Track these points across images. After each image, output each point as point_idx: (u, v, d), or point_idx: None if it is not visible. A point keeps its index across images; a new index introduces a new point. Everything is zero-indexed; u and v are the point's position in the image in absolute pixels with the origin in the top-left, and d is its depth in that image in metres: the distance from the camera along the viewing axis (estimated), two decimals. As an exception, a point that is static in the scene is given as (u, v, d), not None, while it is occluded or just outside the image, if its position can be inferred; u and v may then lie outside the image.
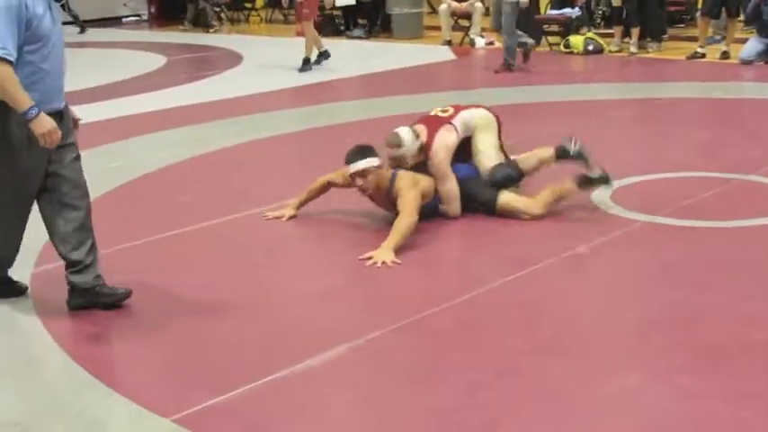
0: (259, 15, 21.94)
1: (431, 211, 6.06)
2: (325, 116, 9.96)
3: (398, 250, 5.52)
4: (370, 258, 5.45)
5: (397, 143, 6.07)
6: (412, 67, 13.40)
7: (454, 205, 6.15)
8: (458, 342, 4.39)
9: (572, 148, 6.34)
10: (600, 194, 6.46)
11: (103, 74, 13.23)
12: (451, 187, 6.13)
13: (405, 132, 6.13)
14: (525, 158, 6.48)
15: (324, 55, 13.22)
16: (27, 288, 5.16)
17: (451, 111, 6.44)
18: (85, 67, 15.21)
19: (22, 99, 4.46)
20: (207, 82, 12.88)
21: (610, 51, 13.70)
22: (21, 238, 4.97)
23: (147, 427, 3.75)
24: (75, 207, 4.85)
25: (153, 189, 7.30)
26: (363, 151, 5.89)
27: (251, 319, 4.78)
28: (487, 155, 6.37)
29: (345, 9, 17.67)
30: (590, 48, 13.64)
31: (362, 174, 5.84)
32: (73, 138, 4.89)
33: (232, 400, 3.91)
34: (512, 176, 6.37)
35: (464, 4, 15.25)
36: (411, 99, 10.59)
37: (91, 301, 4.87)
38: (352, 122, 9.52)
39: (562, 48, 13.96)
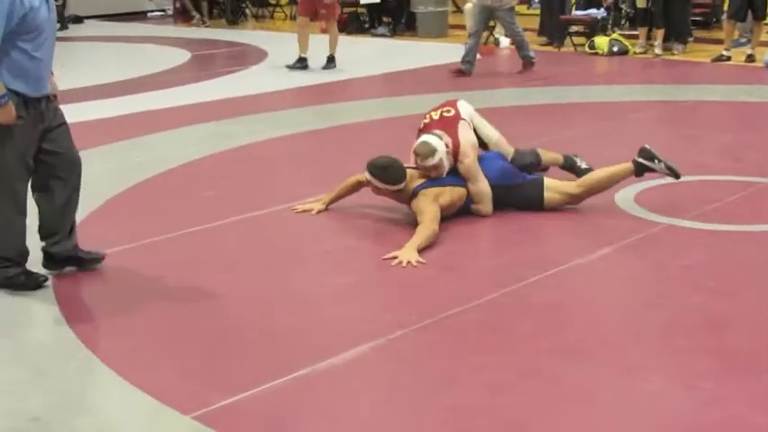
0: (284, 12, 21.94)
1: (463, 210, 6.09)
2: (349, 114, 9.96)
3: (423, 249, 5.51)
4: (394, 258, 5.45)
5: (431, 152, 6.03)
6: (436, 66, 13.36)
7: (486, 204, 6.15)
8: (481, 343, 4.37)
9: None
10: (623, 197, 6.43)
11: (129, 68, 13.28)
12: (483, 187, 6.13)
13: (433, 140, 6.10)
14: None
15: (302, 61, 13.09)
16: (46, 279, 5.20)
17: (453, 110, 6.48)
18: (111, 61, 15.32)
19: None
20: (231, 78, 12.90)
21: (634, 53, 13.63)
22: (23, 234, 5.08)
23: (167, 423, 3.75)
24: (65, 181, 5.14)
25: (177, 184, 7.31)
26: (386, 175, 5.97)
27: (274, 316, 4.78)
28: (501, 140, 6.64)
29: (370, 7, 17.67)
30: (615, 49, 13.58)
31: (379, 190, 6.06)
32: (62, 116, 5.13)
33: (253, 397, 3.90)
34: (533, 163, 6.64)
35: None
36: (435, 98, 10.53)
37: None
38: (376, 120, 9.52)
39: (587, 49, 13.90)
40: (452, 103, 6.57)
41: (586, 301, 4.93)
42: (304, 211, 6.34)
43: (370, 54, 14.05)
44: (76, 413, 3.84)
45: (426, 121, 6.48)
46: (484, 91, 11.20)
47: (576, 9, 14.77)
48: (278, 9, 22.10)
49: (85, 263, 5.37)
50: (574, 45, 14.34)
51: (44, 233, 5.22)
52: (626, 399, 3.85)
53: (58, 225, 5.22)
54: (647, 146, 6.32)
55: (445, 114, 6.42)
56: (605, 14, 14.40)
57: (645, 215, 6.11)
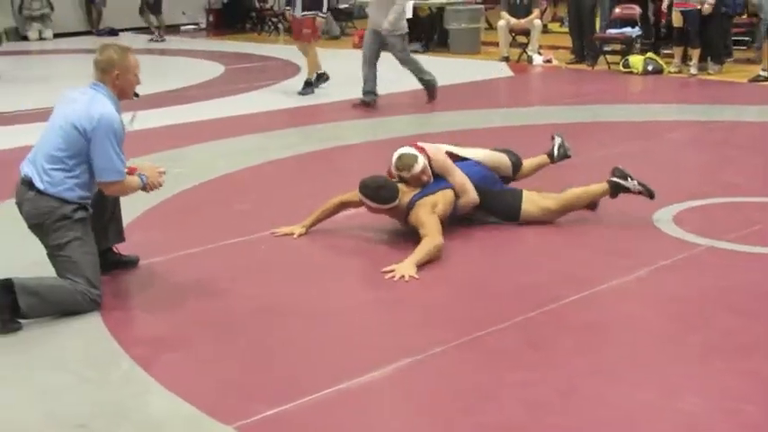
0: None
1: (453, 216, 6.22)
2: (383, 129, 9.98)
3: (463, 265, 5.52)
4: (392, 271, 5.51)
5: (414, 158, 6.15)
6: (469, 83, 13.39)
7: (471, 194, 6.24)
8: (520, 361, 4.37)
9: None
10: (662, 217, 6.41)
11: (163, 81, 13.34)
12: (462, 177, 6.24)
13: (407, 149, 6.25)
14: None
15: (321, 78, 12.73)
16: (138, 259, 5.71)
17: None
18: (146, 73, 15.35)
19: (135, 184, 5.19)
20: (264, 92, 12.96)
21: (669, 72, 13.59)
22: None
23: (209, 433, 3.77)
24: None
25: (213, 196, 7.35)
26: (379, 196, 6.01)
27: (313, 330, 4.80)
28: (490, 156, 6.68)
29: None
30: (649, 68, 13.54)
31: (374, 210, 6.10)
32: None
33: (293, 410, 3.92)
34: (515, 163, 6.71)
35: (522, 21, 15.23)
36: (468, 114, 10.60)
37: None
38: (408, 136, 9.49)
39: (621, 67, 13.87)
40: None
41: (625, 321, 4.90)
42: (284, 234, 6.28)
43: (404, 69, 14.00)
44: (120, 421, 3.86)
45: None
46: (517, 109, 11.23)
47: (611, 27, 14.72)
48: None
49: (124, 264, 5.64)
50: (608, 63, 14.31)
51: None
52: (667, 421, 3.83)
53: (107, 235, 5.44)
54: (619, 166, 6.42)
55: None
56: (640, 33, 14.35)
57: (684, 236, 6.09)
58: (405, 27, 11.50)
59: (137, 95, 5.31)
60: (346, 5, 21.55)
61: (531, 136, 8.83)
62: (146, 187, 5.24)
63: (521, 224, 6.30)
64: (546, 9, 17.89)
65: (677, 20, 13.35)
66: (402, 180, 6.17)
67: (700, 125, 9.94)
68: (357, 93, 12.45)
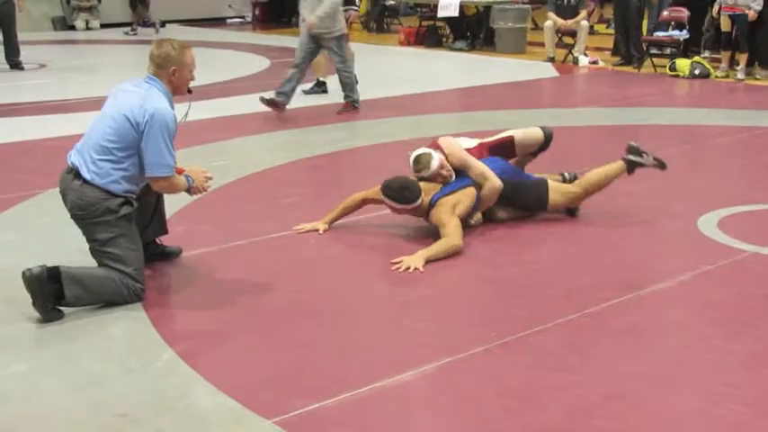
0: (360, 22, 22.05)
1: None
2: (426, 126, 9.95)
3: (506, 265, 5.51)
4: (399, 262, 5.59)
5: (428, 157, 6.20)
6: (514, 83, 13.35)
7: (493, 180, 6.25)
8: (562, 363, 4.34)
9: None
10: (707, 222, 6.36)
11: (210, 73, 13.37)
12: (479, 167, 6.26)
13: (421, 150, 6.30)
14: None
15: (321, 85, 12.10)
16: (181, 250, 5.77)
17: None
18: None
19: (182, 184, 5.18)
20: (309, 86, 12.96)
21: (716, 77, 13.48)
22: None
23: (249, 426, 3.77)
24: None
25: (257, 190, 7.38)
26: (403, 197, 6.03)
27: (354, 326, 4.81)
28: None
29: (450, 21, 17.71)
30: (696, 72, 13.43)
31: (398, 210, 6.13)
32: None
33: (334, 405, 3.92)
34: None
35: (569, 22, 15.15)
36: (511, 114, 10.56)
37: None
38: (453, 135, 9.49)
39: (668, 70, 13.77)
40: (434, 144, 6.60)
41: (668, 325, 4.87)
42: (308, 231, 6.29)
43: (448, 68, 14.07)
44: (161, 412, 3.88)
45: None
46: (561, 110, 11.17)
47: (658, 30, 14.61)
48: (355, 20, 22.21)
49: (167, 255, 5.69)
50: (654, 66, 14.21)
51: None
52: (710, 428, 3.80)
53: (150, 228, 5.49)
54: (632, 143, 6.56)
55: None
56: (687, 36, 14.23)
57: (728, 242, 6.03)
58: (342, 28, 10.51)
59: (190, 92, 5.29)
60: (392, 2, 21.58)
61: (575, 137, 8.80)
62: (191, 190, 5.23)
63: (557, 219, 6.31)
64: (593, 10, 17.78)
65: (725, 24, 13.24)
66: (423, 179, 6.18)
67: (746, 130, 9.84)
68: (402, 89, 12.47)
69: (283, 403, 3.92)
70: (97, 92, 5.36)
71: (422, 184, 6.13)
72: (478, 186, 6.23)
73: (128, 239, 5.01)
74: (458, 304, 5.17)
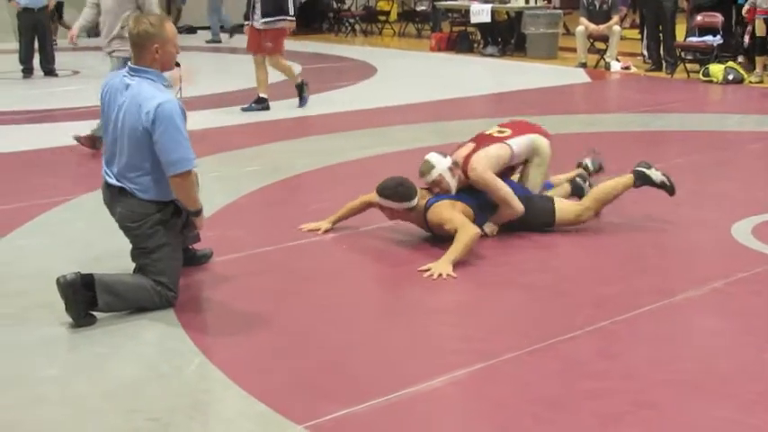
0: (392, 28, 22.10)
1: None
2: (457, 132, 9.92)
3: (535, 271, 5.50)
4: (428, 270, 5.54)
5: (428, 168, 6.11)
6: (545, 88, 13.32)
7: (515, 204, 6.12)
8: (593, 370, 4.32)
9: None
10: (740, 229, 6.31)
11: (239, 79, 13.45)
12: (504, 191, 6.11)
13: (433, 157, 6.18)
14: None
15: (261, 102, 11.32)
16: (212, 253, 5.78)
17: (508, 132, 6.43)
18: (223, 71, 15.56)
19: (197, 199, 5.04)
20: (341, 92, 13.01)
21: (750, 82, 13.38)
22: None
23: (279, 431, 3.78)
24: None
25: (288, 195, 7.41)
26: (398, 193, 6.01)
27: (386, 331, 4.81)
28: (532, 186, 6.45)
29: (481, 26, 17.70)
30: (730, 77, 13.34)
31: (381, 207, 6.11)
32: None
33: (363, 412, 3.91)
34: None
35: (601, 27, 15.10)
36: (543, 120, 10.48)
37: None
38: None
39: (701, 76, 13.69)
40: (519, 127, 6.52)
41: (700, 333, 4.84)
42: (310, 230, 6.34)
43: (479, 73, 14.06)
44: (193, 415, 3.90)
45: (483, 131, 6.55)
46: (594, 115, 11.13)
47: (691, 35, 14.54)
48: (387, 25, 22.26)
49: (198, 259, 5.70)
50: (687, 72, 14.14)
51: None
52: (744, 436, 3.78)
53: (184, 236, 5.42)
54: (645, 161, 6.45)
55: (496, 134, 6.42)
56: (721, 41, 14.13)
57: (762, 248, 5.98)
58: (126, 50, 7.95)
59: (178, 65, 5.11)
60: (423, 8, 21.59)
61: (607, 143, 8.76)
62: (193, 215, 5.12)
63: (585, 225, 6.26)
64: (625, 15, 17.71)
65: (760, 29, 13.15)
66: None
67: (780, 136, 9.77)
68: (433, 95, 12.46)
69: (314, 408, 3.92)
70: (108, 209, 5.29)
71: (420, 190, 6.11)
72: (489, 207, 6.18)
73: (173, 249, 5.03)
74: (487, 311, 5.16)
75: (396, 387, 4.10)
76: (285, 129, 10.07)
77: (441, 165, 6.13)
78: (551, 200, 6.33)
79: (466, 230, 5.74)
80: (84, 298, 4.75)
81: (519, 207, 6.14)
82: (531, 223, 6.24)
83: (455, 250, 5.65)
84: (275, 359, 4.46)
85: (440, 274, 5.49)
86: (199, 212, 5.10)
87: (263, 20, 10.95)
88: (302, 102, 11.50)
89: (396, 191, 6.02)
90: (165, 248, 4.98)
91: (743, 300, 5.26)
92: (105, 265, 5.36)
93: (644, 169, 6.36)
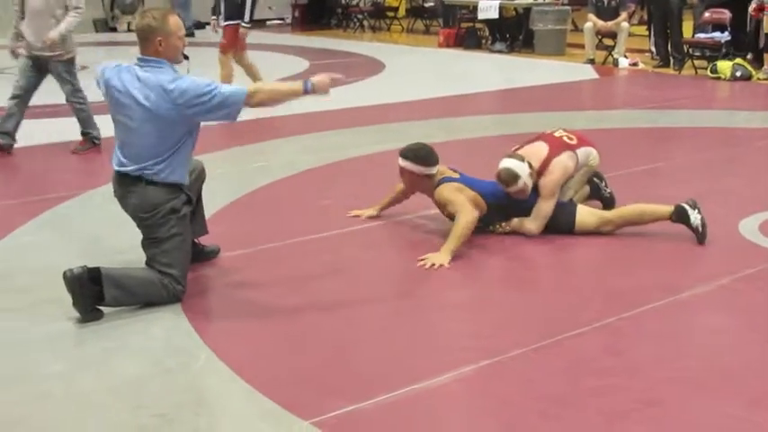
0: (401, 24, 22.09)
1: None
2: (466, 128, 9.95)
3: (542, 267, 5.48)
4: (423, 260, 5.62)
5: (513, 178, 6.03)
6: (553, 85, 13.30)
7: (540, 223, 6.10)
8: (600, 367, 4.32)
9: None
10: (748, 225, 6.31)
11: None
12: (549, 208, 6.10)
13: (515, 164, 6.07)
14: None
15: None
16: (219, 249, 5.78)
17: (576, 140, 6.43)
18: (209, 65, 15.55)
19: (294, 88, 4.97)
20: (349, 88, 12.98)
21: (758, 79, 13.35)
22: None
23: (285, 427, 3.77)
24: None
25: (296, 191, 7.40)
26: (419, 155, 6.10)
27: (391, 328, 4.81)
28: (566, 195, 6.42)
29: (489, 22, 17.68)
30: (738, 74, 13.31)
31: (402, 171, 6.16)
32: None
33: (370, 408, 3.91)
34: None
35: (610, 23, 15.08)
36: (551, 116, 10.51)
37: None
38: (491, 137, 9.50)
39: (709, 72, 13.66)
40: (582, 138, 6.53)
41: (707, 330, 4.83)
42: (355, 215, 6.53)
43: (488, 70, 14.05)
44: (199, 412, 3.90)
45: (549, 132, 6.54)
46: (602, 112, 11.11)
47: (700, 32, 14.51)
48: (395, 21, 22.25)
49: (206, 254, 5.69)
50: (695, 68, 14.11)
51: None
52: (751, 433, 3.77)
53: (192, 227, 5.42)
54: (692, 200, 6.16)
55: (566, 140, 6.39)
56: (729, 38, 14.10)
57: (770, 245, 5.99)
58: (74, 50, 8.67)
59: (186, 57, 5.13)
60: (431, 4, 21.58)
61: (615, 139, 8.75)
62: (310, 92, 4.95)
63: (588, 234, 6.20)
64: (634, 12, 17.68)
65: (768, 25, 13.14)
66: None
67: (789, 133, 9.75)
68: (440, 91, 12.45)
69: (320, 404, 3.92)
70: (120, 203, 5.30)
71: (441, 167, 6.15)
72: (512, 209, 6.17)
73: (183, 240, 5.04)
74: (495, 307, 5.15)
75: (402, 383, 4.10)
76: (291, 125, 10.06)
77: (523, 172, 6.04)
78: (574, 210, 6.20)
79: (463, 215, 5.79)
80: (92, 292, 4.76)
81: (539, 227, 6.10)
82: (551, 228, 6.17)
83: (450, 240, 5.71)
84: (282, 355, 4.46)
85: (432, 264, 5.56)
86: (308, 92, 4.95)
87: (225, 22, 11.26)
88: None
89: (417, 153, 6.09)
90: (176, 239, 4.99)
91: (749, 296, 5.25)
92: (113, 260, 5.37)
93: (687, 207, 6.10)
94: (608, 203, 6.62)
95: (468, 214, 5.79)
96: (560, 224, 6.17)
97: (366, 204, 6.74)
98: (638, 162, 7.03)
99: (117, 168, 5.04)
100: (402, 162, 6.14)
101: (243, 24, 11.11)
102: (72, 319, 4.78)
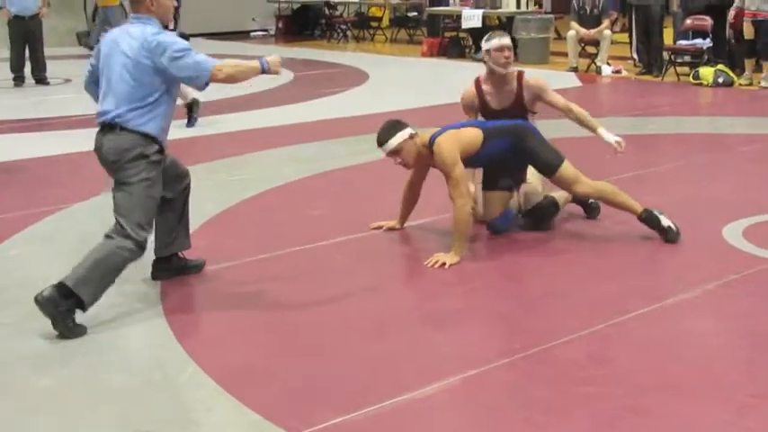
0: (384, 34, 22.11)
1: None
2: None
3: (528, 275, 5.49)
4: (434, 260, 5.73)
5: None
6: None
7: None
8: (586, 375, 4.32)
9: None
10: (732, 231, 6.33)
11: (231, 87, 13.39)
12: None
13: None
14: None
15: (193, 107, 10.47)
16: (204, 263, 5.74)
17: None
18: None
19: (252, 66, 5.10)
20: (333, 98, 13.02)
21: (740, 84, 13.41)
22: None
23: (273, 440, 3.79)
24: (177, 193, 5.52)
25: (280, 203, 7.40)
26: (391, 127, 6.03)
27: (380, 338, 4.81)
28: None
29: (472, 31, 17.72)
30: (720, 80, 13.37)
31: (397, 152, 5.99)
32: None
33: (358, 419, 3.91)
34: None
35: (592, 31, 15.10)
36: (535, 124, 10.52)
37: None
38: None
39: (691, 79, 13.72)
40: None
41: (693, 336, 4.84)
42: (376, 228, 6.49)
43: (472, 78, 13.98)
44: (185, 426, 3.89)
45: None
46: (586, 119, 11.11)
47: (682, 39, 14.57)
48: (378, 31, 22.27)
49: (190, 269, 5.68)
50: (677, 75, 14.16)
51: (160, 243, 5.44)
52: (737, 439, 3.78)
53: (174, 240, 5.48)
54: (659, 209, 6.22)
55: None
56: (711, 45, 14.15)
57: (754, 250, 5.99)
58: None
59: (177, 6, 5.31)
60: (415, 13, 21.62)
61: (601, 147, 8.75)
62: (266, 71, 5.15)
63: (579, 229, 6.26)
64: (616, 19, 17.74)
65: (748, 31, 13.19)
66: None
67: (770, 138, 9.79)
68: (422, 100, 12.47)
69: (308, 417, 3.92)
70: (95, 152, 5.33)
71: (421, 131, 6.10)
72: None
73: (150, 186, 5.05)
74: (481, 316, 5.16)
75: (389, 394, 4.09)
76: (277, 136, 10.06)
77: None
78: (562, 156, 6.23)
79: (460, 205, 5.81)
80: (68, 306, 4.75)
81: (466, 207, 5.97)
82: (537, 162, 6.24)
83: (456, 238, 5.80)
84: (268, 367, 4.45)
85: (442, 264, 5.67)
86: (264, 71, 5.13)
87: None
88: (190, 122, 10.46)
89: (382, 132, 6.05)
90: (144, 183, 5.02)
91: (735, 302, 5.26)
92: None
93: (657, 213, 6.17)
94: (592, 213, 6.63)
95: (459, 210, 5.80)
96: (546, 161, 6.20)
97: (354, 214, 6.76)
98: (624, 169, 7.04)
99: (97, 121, 5.13)
100: (383, 150, 6.07)
101: None
102: (56, 333, 4.76)
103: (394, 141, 5.96)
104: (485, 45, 6.57)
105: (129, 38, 5.02)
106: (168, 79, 5.03)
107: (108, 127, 5.04)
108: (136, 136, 4.99)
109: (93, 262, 4.91)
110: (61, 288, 4.75)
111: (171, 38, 5.04)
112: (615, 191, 6.26)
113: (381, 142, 6.03)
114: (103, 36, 5.36)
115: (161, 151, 5.12)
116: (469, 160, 6.04)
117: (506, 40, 6.42)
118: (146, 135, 5.01)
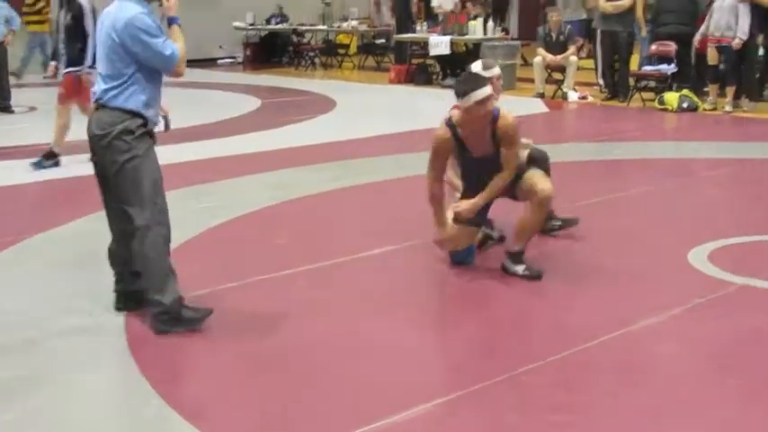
0: (352, 61, 22.15)
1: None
2: (418, 164, 9.93)
3: (495, 302, 5.51)
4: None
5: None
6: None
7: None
8: (554, 402, 4.31)
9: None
10: (697, 255, 6.36)
11: (199, 114, 13.42)
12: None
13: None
14: None
15: (50, 157, 9.86)
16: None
17: None
18: (182, 106, 15.47)
19: (180, 36, 5.28)
20: (301, 126, 13.01)
21: (704, 109, 13.53)
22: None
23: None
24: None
25: (248, 231, 7.36)
26: (478, 80, 5.94)
27: (352, 366, 4.78)
28: None
29: (440, 58, 17.78)
30: (684, 105, 13.48)
31: (486, 100, 5.84)
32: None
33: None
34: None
35: (558, 57, 15.19)
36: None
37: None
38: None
39: (656, 104, 13.83)
40: None
41: (661, 362, 4.84)
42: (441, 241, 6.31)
43: (439, 105, 14.01)
44: (151, 460, 3.85)
45: None
46: (552, 145, 11.12)
47: (647, 64, 14.69)
48: (346, 58, 22.31)
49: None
50: (643, 100, 14.27)
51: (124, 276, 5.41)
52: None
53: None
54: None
55: None
56: (675, 70, 14.26)
57: (719, 274, 6.03)
58: None
59: (160, 3, 5.34)
60: (382, 40, 21.70)
61: (568, 172, 8.80)
62: (173, 20, 5.32)
63: (548, 254, 6.27)
64: (582, 46, 17.86)
65: (712, 57, 13.31)
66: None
67: (735, 163, 9.87)
68: (390, 128, 12.49)
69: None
70: (83, 135, 5.35)
71: None
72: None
73: (142, 161, 5.14)
74: (449, 344, 5.15)
75: (363, 421, 4.07)
76: (244, 164, 10.03)
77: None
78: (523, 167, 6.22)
79: (507, 175, 6.01)
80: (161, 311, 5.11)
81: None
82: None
83: (483, 193, 6.00)
84: (237, 399, 4.40)
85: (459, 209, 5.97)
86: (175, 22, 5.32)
87: (65, 70, 9.91)
88: (38, 166, 9.71)
89: (473, 78, 6.01)
90: (134, 161, 5.11)
91: (701, 326, 5.29)
92: (58, 305, 5.30)
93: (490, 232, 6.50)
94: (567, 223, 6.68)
95: (502, 179, 6.00)
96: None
97: (322, 242, 6.74)
98: (592, 194, 7.07)
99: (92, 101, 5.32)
100: (462, 102, 5.85)
101: (86, 71, 9.49)
102: (21, 366, 4.71)
103: (488, 89, 5.86)
104: (489, 72, 6.47)
105: (116, 18, 5.12)
106: (140, 61, 5.14)
107: (97, 107, 5.22)
108: (117, 112, 5.12)
109: (145, 255, 5.13)
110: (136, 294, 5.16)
111: (151, 21, 5.10)
112: (544, 201, 6.05)
113: (472, 89, 5.80)
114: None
115: (146, 125, 5.21)
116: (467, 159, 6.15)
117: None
118: (128, 111, 5.12)
